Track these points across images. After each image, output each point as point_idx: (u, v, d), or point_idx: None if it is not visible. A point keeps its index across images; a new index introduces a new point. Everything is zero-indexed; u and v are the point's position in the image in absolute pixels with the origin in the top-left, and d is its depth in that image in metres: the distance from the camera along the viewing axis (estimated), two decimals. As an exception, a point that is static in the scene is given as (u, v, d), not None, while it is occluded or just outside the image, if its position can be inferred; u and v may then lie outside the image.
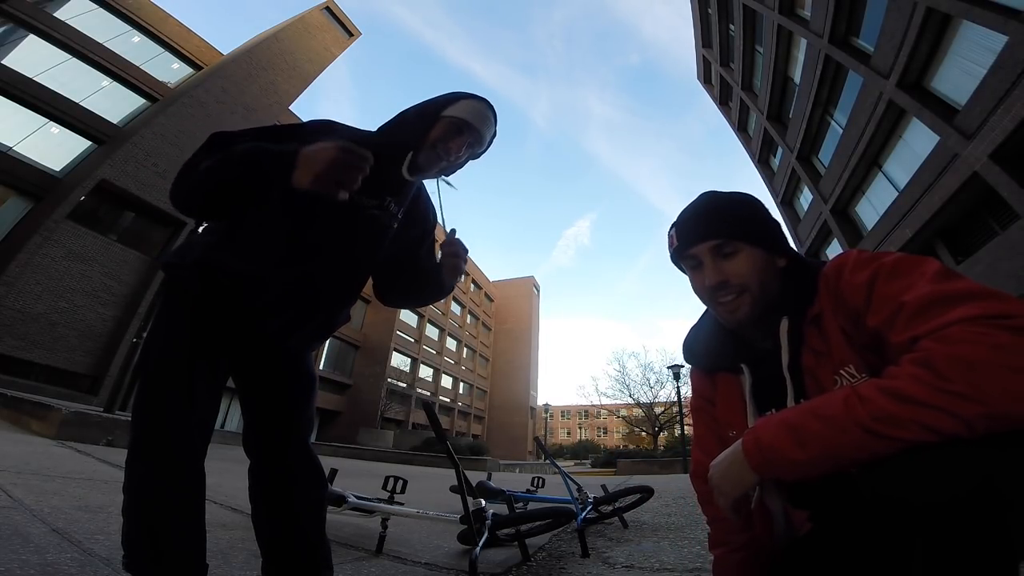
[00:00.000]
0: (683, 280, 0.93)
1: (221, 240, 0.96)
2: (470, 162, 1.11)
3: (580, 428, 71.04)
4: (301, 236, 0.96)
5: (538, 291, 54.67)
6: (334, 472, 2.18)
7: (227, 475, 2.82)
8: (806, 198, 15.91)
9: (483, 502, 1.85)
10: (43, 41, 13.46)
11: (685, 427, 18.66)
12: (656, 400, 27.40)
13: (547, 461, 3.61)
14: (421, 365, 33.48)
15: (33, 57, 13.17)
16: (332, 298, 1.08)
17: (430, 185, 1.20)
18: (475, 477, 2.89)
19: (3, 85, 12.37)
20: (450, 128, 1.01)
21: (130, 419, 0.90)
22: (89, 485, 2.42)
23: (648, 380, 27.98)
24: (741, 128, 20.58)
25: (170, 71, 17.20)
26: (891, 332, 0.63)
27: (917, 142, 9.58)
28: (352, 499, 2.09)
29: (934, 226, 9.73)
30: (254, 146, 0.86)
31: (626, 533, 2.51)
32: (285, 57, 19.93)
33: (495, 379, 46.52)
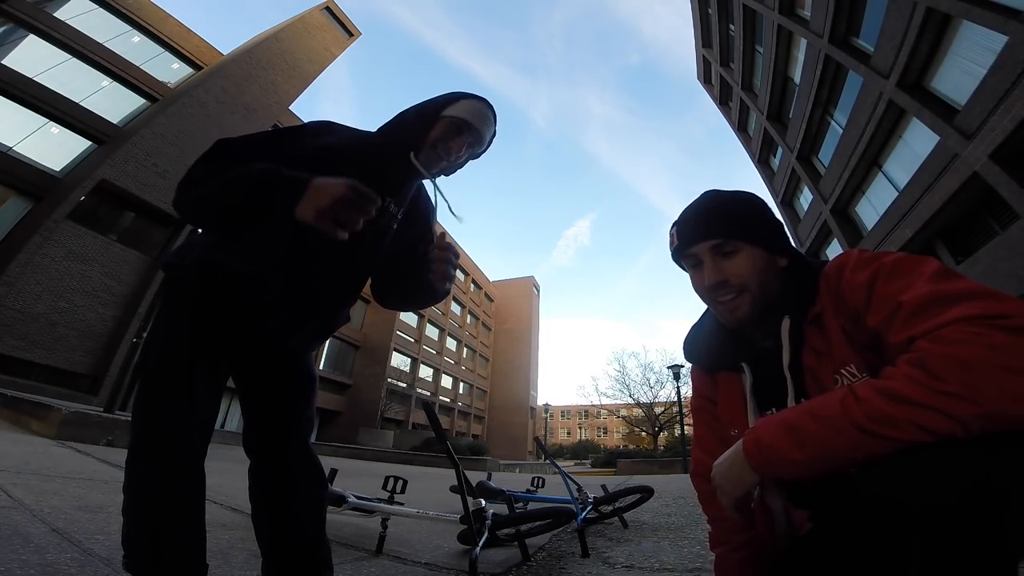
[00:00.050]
0: (683, 280, 0.93)
1: (221, 240, 0.96)
2: (470, 162, 1.11)
3: (580, 428, 71.04)
4: (301, 237, 0.96)
5: (538, 291, 54.67)
6: (334, 472, 2.18)
7: (227, 475, 2.82)
8: (806, 198, 15.91)
9: (483, 502, 1.85)
10: (43, 41, 13.46)
11: (685, 427, 18.66)
12: (656, 400, 27.41)
13: (547, 461, 3.61)
14: (421, 365, 33.48)
15: (33, 57, 13.17)
16: (332, 298, 1.08)
17: (430, 185, 1.20)
18: (475, 477, 2.89)
19: (3, 85, 12.37)
20: (450, 128, 1.01)
21: (130, 419, 0.90)
22: (89, 485, 2.42)
23: (648, 380, 28.02)
24: (741, 128, 20.58)
25: (170, 71, 17.20)
26: (889, 332, 0.63)
27: (917, 142, 9.58)
28: (352, 499, 2.09)
29: (934, 226, 9.73)
30: (269, 170, 0.84)
31: (626, 533, 2.51)
32: (285, 57, 19.92)
33: (495, 379, 46.51)
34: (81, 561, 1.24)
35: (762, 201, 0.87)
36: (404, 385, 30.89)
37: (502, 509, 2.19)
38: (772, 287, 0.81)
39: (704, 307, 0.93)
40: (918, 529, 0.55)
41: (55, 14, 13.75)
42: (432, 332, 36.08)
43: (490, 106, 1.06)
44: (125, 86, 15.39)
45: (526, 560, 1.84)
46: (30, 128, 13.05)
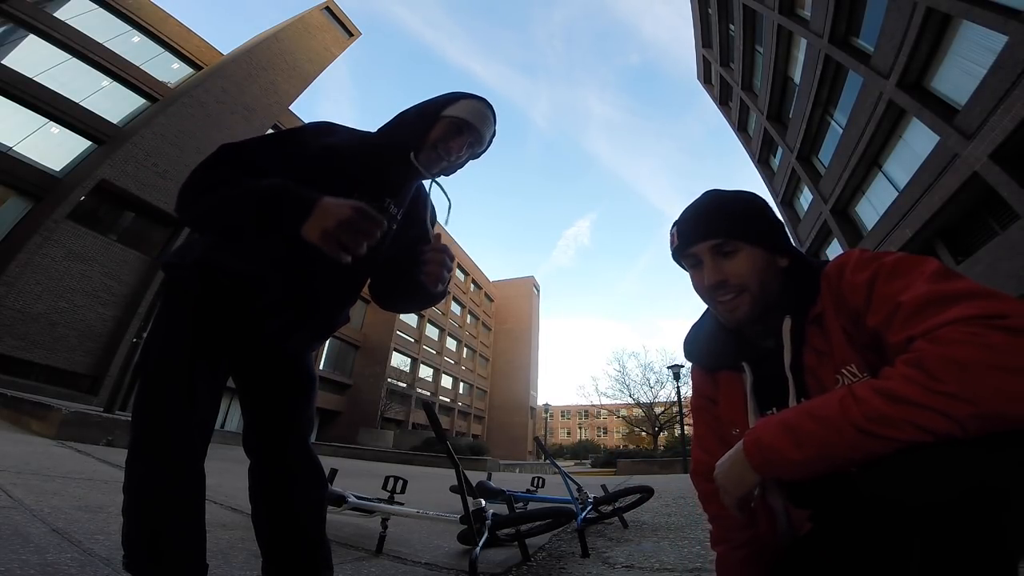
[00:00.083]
0: (683, 280, 0.93)
1: (221, 241, 0.96)
2: (470, 162, 1.11)
3: (580, 428, 71.04)
4: (301, 238, 0.96)
5: (538, 291, 54.67)
6: (334, 472, 2.18)
7: (227, 475, 2.82)
8: (806, 198, 15.91)
9: (483, 502, 1.85)
10: (43, 41, 13.46)
11: (685, 427, 18.67)
12: (656, 400, 27.42)
13: (547, 461, 3.61)
14: (421, 365, 33.48)
15: (33, 57, 13.17)
16: (331, 299, 1.08)
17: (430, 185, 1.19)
18: (475, 477, 2.89)
19: (3, 85, 12.37)
20: (450, 128, 1.01)
21: (130, 419, 0.90)
22: (89, 485, 2.42)
23: (648, 380, 28.04)
24: (741, 128, 20.58)
25: (170, 71, 17.19)
26: (889, 332, 0.63)
27: (917, 142, 9.58)
28: (352, 499, 2.10)
29: (934, 226, 9.73)
30: (276, 188, 0.82)
31: (626, 533, 2.51)
32: (285, 57, 19.92)
33: (495, 379, 46.51)
34: (81, 561, 1.24)
35: (763, 201, 0.87)
36: (404, 385, 30.89)
37: (502, 509, 2.19)
38: (772, 287, 0.81)
39: (705, 307, 0.93)
40: (918, 529, 0.55)
41: (55, 14, 13.75)
42: (432, 332, 36.08)
43: (490, 106, 1.06)
44: (125, 86, 15.39)
45: (526, 560, 1.84)
46: (30, 128, 13.05)
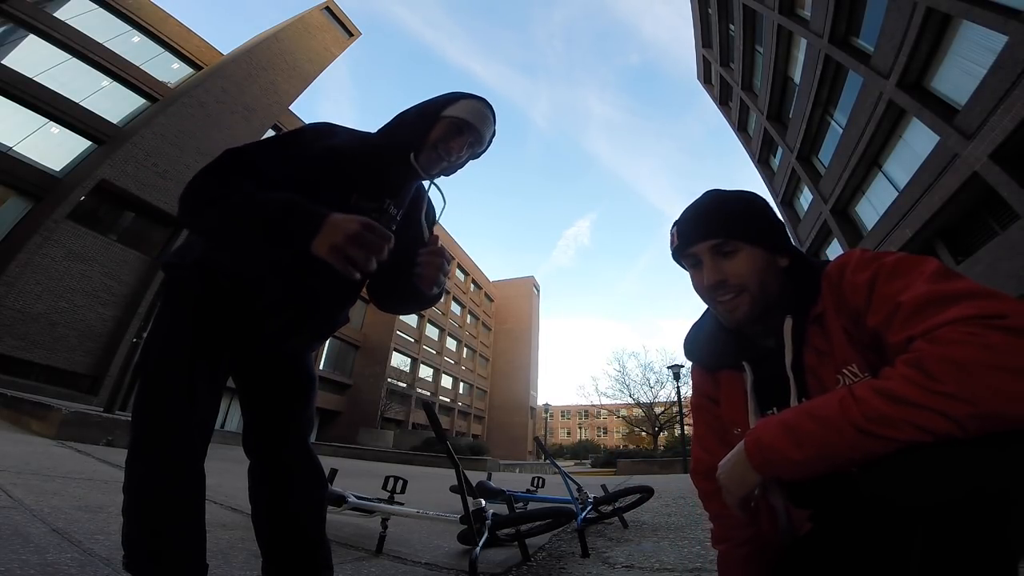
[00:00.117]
0: (683, 280, 0.93)
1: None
2: (470, 162, 1.11)
3: (580, 428, 71.04)
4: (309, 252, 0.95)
5: (538, 291, 54.67)
6: (334, 472, 2.18)
7: (227, 475, 2.82)
8: (806, 198, 15.91)
9: (483, 502, 1.85)
10: (43, 41, 13.46)
11: (685, 427, 18.66)
12: (656, 400, 27.42)
13: (547, 461, 3.61)
14: (421, 365, 33.48)
15: (33, 57, 13.16)
16: (331, 299, 1.08)
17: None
18: (475, 477, 2.89)
19: (3, 85, 12.37)
20: (450, 128, 1.01)
21: (130, 419, 0.90)
22: (89, 485, 2.42)
23: (648, 380, 28.04)
24: (741, 128, 20.57)
25: (170, 71, 17.19)
26: (889, 332, 0.63)
27: (917, 142, 9.58)
28: (352, 499, 2.10)
29: (934, 226, 9.73)
30: (284, 204, 0.81)
31: (626, 533, 2.51)
32: (285, 57, 19.92)
33: (495, 379, 46.51)
34: (81, 561, 1.24)
35: (763, 201, 0.87)
36: (404, 385, 30.88)
37: (502, 509, 2.19)
38: (772, 287, 0.81)
39: (705, 306, 0.93)
40: (918, 529, 0.55)
41: (55, 14, 13.75)
42: (432, 332, 36.08)
43: (489, 106, 1.06)
44: (125, 86, 15.39)
45: (526, 560, 1.84)
46: (30, 128, 13.05)
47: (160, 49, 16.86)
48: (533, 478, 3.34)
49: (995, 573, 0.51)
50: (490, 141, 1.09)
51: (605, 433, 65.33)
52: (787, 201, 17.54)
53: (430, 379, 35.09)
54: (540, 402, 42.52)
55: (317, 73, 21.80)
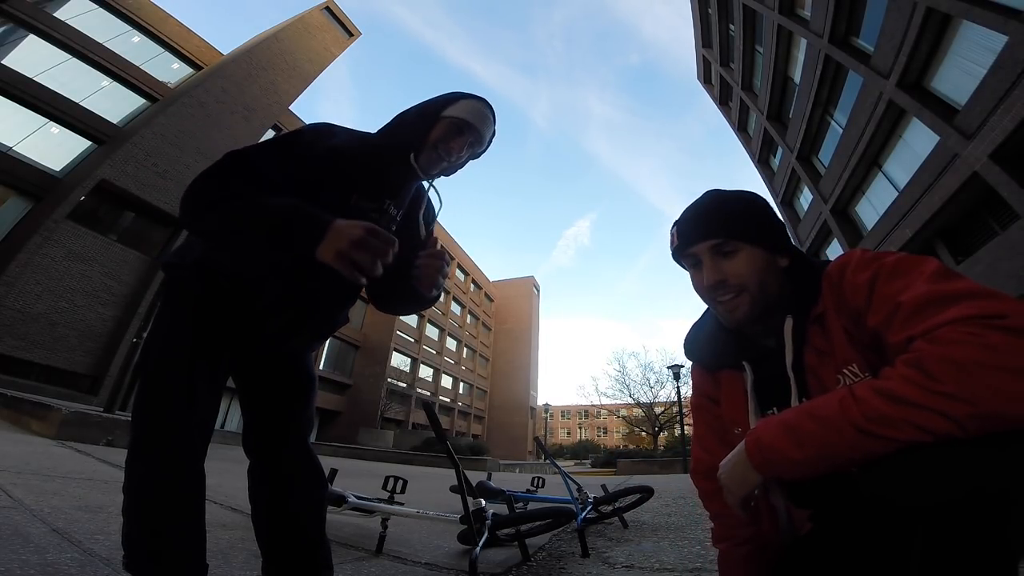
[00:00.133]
0: (683, 280, 0.93)
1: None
2: (470, 162, 1.11)
3: (580, 428, 71.04)
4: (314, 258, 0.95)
5: (538, 291, 54.67)
6: (334, 472, 2.18)
7: (227, 475, 2.82)
8: (806, 198, 15.91)
9: (483, 502, 1.85)
10: (43, 41, 13.46)
11: (685, 427, 18.66)
12: (656, 400, 27.42)
13: (547, 461, 3.61)
14: (421, 365, 33.48)
15: (33, 57, 13.16)
16: (331, 300, 1.08)
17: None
18: (475, 477, 2.89)
19: (3, 85, 12.36)
20: (451, 128, 1.01)
21: (130, 419, 0.90)
22: (89, 485, 2.42)
23: (648, 380, 28.04)
24: (741, 128, 20.57)
25: (170, 71, 17.19)
26: (889, 332, 0.63)
27: (917, 142, 9.58)
28: (352, 499, 2.10)
29: (934, 226, 9.73)
30: (288, 211, 0.81)
31: (626, 533, 2.51)
32: (285, 57, 19.92)
33: (495, 379, 46.51)
34: (81, 561, 1.24)
35: (764, 201, 0.87)
36: (404, 385, 30.88)
37: (502, 509, 2.19)
38: (772, 287, 0.81)
39: (704, 307, 0.93)
40: (918, 529, 0.55)
41: (55, 14, 13.75)
42: (432, 332, 36.08)
43: (489, 106, 1.06)
44: (125, 86, 15.38)
45: (526, 560, 1.84)
46: (30, 128, 13.05)
47: (160, 49, 16.85)
48: (533, 478, 3.34)
49: (995, 573, 0.51)
50: (490, 141, 1.09)
51: (605, 433, 65.32)
52: (787, 201, 17.54)
53: (430, 379, 35.09)
54: (540, 402, 42.53)
55: (317, 73, 21.80)
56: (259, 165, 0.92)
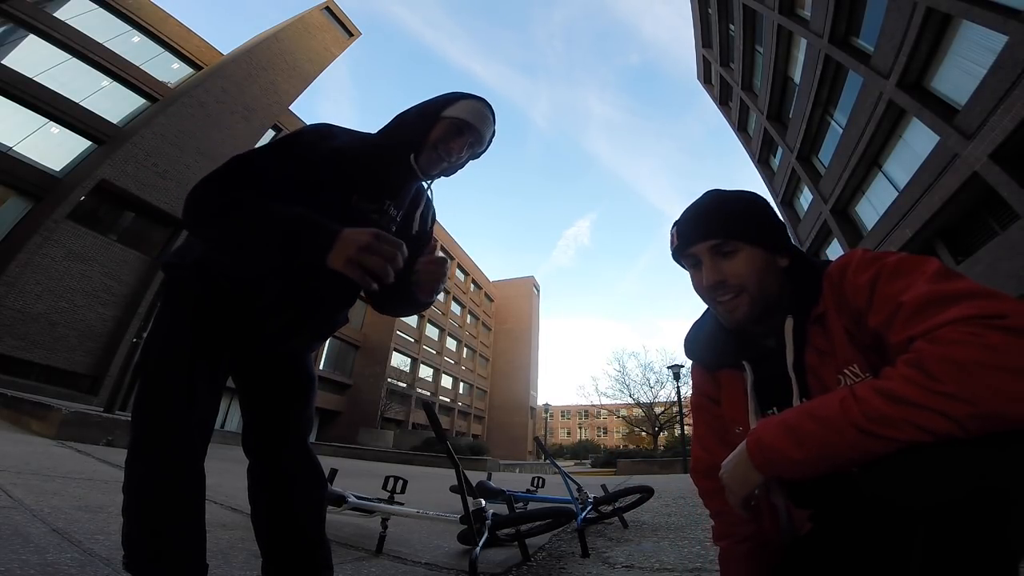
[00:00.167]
0: (683, 280, 0.93)
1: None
2: (470, 162, 1.11)
3: (580, 428, 71.04)
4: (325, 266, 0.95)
5: (538, 291, 54.66)
6: (334, 472, 2.18)
7: (227, 475, 2.82)
8: (806, 198, 15.91)
9: (483, 502, 1.85)
10: (43, 41, 13.45)
11: (685, 427, 18.66)
12: (656, 400, 27.41)
13: (547, 461, 3.61)
14: (421, 365, 33.48)
15: (33, 57, 13.16)
16: (331, 300, 1.08)
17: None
18: (475, 477, 2.89)
19: (3, 85, 12.36)
20: (451, 129, 1.01)
21: (130, 419, 0.90)
22: (89, 485, 2.42)
23: (648, 380, 28.04)
24: (741, 128, 20.57)
25: (170, 71, 17.19)
26: (890, 332, 0.63)
27: (917, 142, 9.58)
28: (352, 499, 2.09)
29: (934, 226, 9.73)
30: (299, 219, 0.81)
31: (626, 533, 2.51)
32: (285, 57, 19.92)
33: (495, 379, 46.51)
34: (81, 561, 1.24)
35: (764, 201, 0.87)
36: (404, 385, 30.88)
37: (502, 509, 2.19)
38: (771, 287, 0.81)
39: (704, 307, 0.93)
40: (919, 529, 0.55)
41: (55, 14, 13.75)
42: (432, 332, 36.09)
43: (489, 106, 1.06)
44: (125, 86, 15.38)
45: (526, 560, 1.84)
46: (30, 128, 13.05)
47: (160, 49, 16.85)
48: (533, 478, 3.34)
49: (996, 573, 0.51)
50: (490, 141, 1.09)
51: (605, 433, 65.32)
52: (787, 201, 17.54)
53: (430, 379, 35.09)
54: (540, 402, 42.53)
55: (317, 73, 21.80)
56: (263, 169, 0.92)
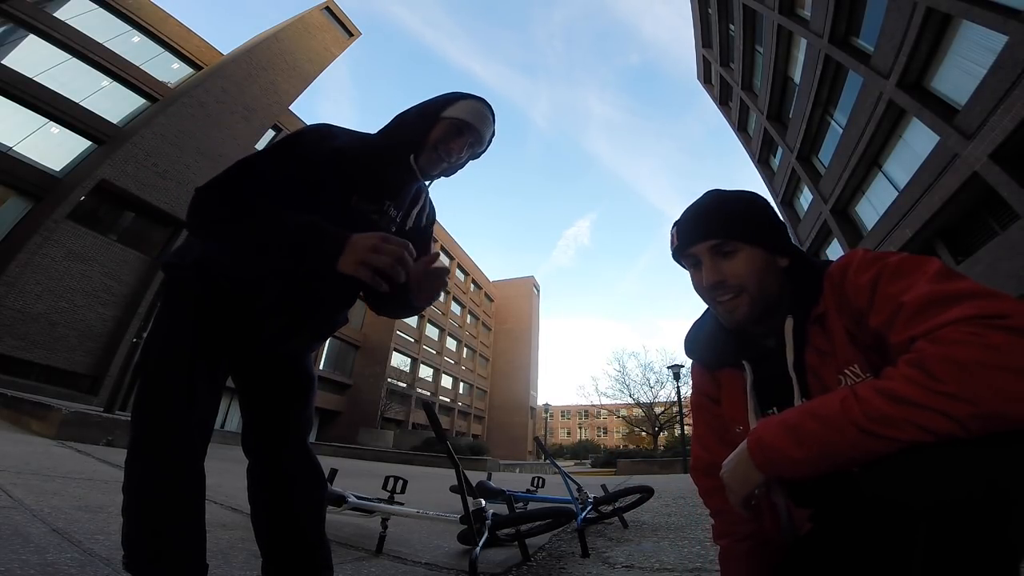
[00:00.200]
0: (683, 280, 0.93)
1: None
2: (470, 162, 1.11)
3: (580, 428, 71.03)
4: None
5: (538, 291, 54.67)
6: (334, 472, 2.18)
7: (227, 475, 2.82)
8: (806, 198, 15.91)
9: (483, 502, 1.85)
10: (43, 41, 13.45)
11: (685, 427, 18.66)
12: (656, 400, 27.42)
13: (547, 461, 3.61)
14: (421, 365, 33.48)
15: (33, 57, 13.16)
16: (331, 301, 1.08)
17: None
18: (475, 477, 2.89)
19: (3, 85, 12.36)
20: (450, 129, 1.01)
21: (130, 419, 0.90)
22: (89, 485, 2.42)
23: (648, 380, 28.05)
24: (741, 128, 20.57)
25: (170, 71, 17.19)
26: (891, 332, 0.63)
27: (917, 142, 9.58)
28: (352, 499, 2.10)
29: (934, 226, 9.73)
30: (308, 227, 0.82)
31: (626, 533, 2.51)
32: (285, 57, 19.91)
33: (495, 379, 46.51)
34: (81, 561, 1.24)
35: (764, 201, 0.87)
36: (404, 385, 30.88)
37: (502, 509, 2.19)
38: (771, 287, 0.81)
39: (705, 307, 0.94)
40: (920, 529, 0.55)
41: (55, 14, 13.74)
42: (432, 332, 36.09)
43: (489, 106, 1.06)
44: (125, 86, 15.38)
45: (526, 560, 1.84)
46: (30, 128, 13.04)
47: (160, 49, 16.85)
48: (533, 478, 3.34)
49: (997, 573, 0.51)
50: (490, 141, 1.09)
51: (605, 433, 65.32)
52: (787, 201, 17.54)
53: (430, 379, 35.09)
54: (540, 402, 42.53)
55: (317, 73, 21.80)
56: (263, 172, 0.93)
